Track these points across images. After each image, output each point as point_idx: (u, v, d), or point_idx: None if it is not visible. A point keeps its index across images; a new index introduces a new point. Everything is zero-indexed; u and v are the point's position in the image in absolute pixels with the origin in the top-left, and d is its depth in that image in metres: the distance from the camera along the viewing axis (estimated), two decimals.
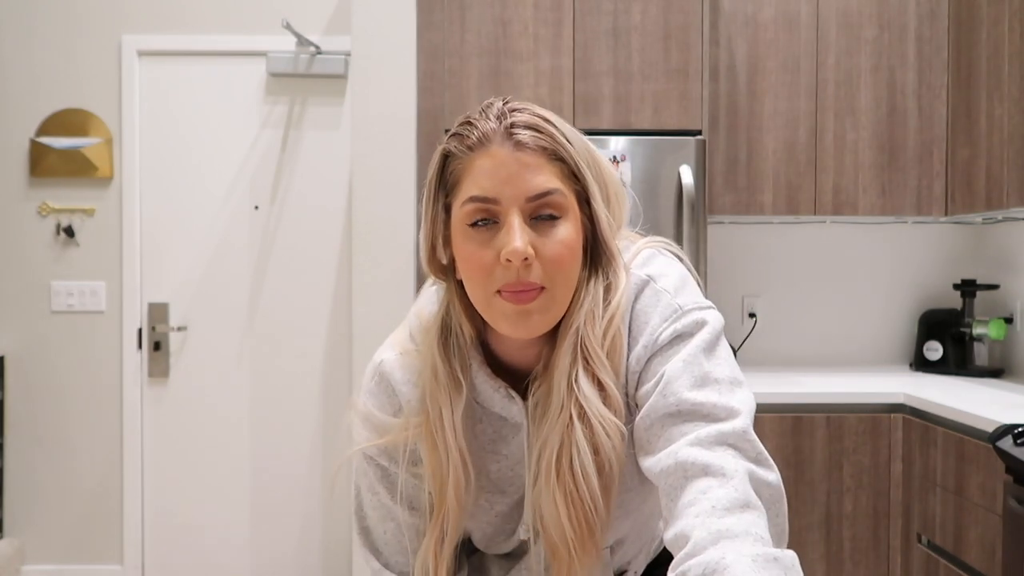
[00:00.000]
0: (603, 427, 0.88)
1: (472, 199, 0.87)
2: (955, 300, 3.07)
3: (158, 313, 3.42)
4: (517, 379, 0.97)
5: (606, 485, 0.89)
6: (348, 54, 3.21)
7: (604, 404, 0.89)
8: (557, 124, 0.90)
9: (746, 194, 2.89)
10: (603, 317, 0.91)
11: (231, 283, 3.43)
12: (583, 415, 0.88)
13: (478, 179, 0.87)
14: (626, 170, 2.63)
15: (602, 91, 2.70)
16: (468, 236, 0.88)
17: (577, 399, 0.88)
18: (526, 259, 0.85)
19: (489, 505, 1.02)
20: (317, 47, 3.32)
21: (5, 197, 3.41)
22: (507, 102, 0.91)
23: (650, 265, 0.96)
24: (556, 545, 0.90)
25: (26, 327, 3.41)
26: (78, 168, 3.39)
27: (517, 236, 0.85)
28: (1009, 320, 2.92)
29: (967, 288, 2.99)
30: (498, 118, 0.88)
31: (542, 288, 0.87)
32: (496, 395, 0.96)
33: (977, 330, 2.92)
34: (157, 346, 3.42)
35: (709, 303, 0.94)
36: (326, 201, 3.41)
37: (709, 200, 2.82)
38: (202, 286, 3.43)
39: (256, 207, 3.42)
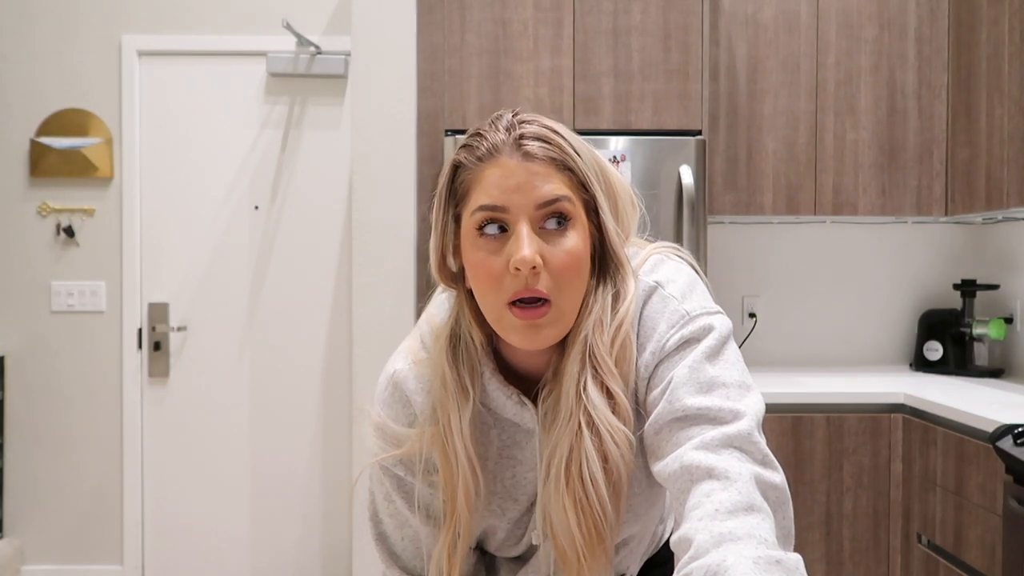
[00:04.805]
0: (612, 436, 0.88)
1: (482, 208, 0.88)
2: (955, 300, 3.07)
3: (158, 313, 3.42)
4: (529, 384, 0.97)
5: (615, 492, 0.89)
6: (348, 54, 3.21)
7: (613, 412, 0.89)
8: (565, 135, 0.91)
9: (746, 194, 2.89)
10: (611, 325, 0.91)
11: (231, 283, 3.43)
12: (591, 424, 0.88)
13: (488, 188, 0.88)
14: (626, 170, 2.63)
15: (602, 91, 2.70)
16: (478, 245, 0.89)
17: (586, 408, 0.89)
18: (534, 267, 0.85)
19: (502, 511, 1.02)
20: (317, 47, 3.32)
21: (5, 197, 3.41)
22: (516, 114, 0.92)
23: (658, 271, 0.97)
24: (566, 551, 0.90)
25: (26, 327, 3.41)
26: (78, 168, 3.39)
27: (525, 244, 0.85)
28: (1009, 320, 2.92)
29: (967, 288, 2.99)
30: (507, 130, 0.89)
31: (548, 301, 0.87)
32: (508, 402, 0.96)
33: (977, 330, 2.92)
34: (157, 346, 3.42)
35: (717, 308, 0.94)
36: (326, 201, 3.41)
37: (709, 200, 2.82)
38: (202, 286, 3.43)
39: (256, 207, 3.42)
